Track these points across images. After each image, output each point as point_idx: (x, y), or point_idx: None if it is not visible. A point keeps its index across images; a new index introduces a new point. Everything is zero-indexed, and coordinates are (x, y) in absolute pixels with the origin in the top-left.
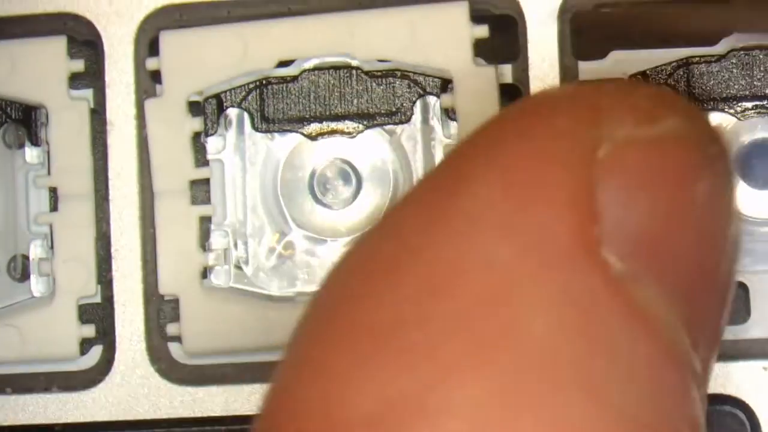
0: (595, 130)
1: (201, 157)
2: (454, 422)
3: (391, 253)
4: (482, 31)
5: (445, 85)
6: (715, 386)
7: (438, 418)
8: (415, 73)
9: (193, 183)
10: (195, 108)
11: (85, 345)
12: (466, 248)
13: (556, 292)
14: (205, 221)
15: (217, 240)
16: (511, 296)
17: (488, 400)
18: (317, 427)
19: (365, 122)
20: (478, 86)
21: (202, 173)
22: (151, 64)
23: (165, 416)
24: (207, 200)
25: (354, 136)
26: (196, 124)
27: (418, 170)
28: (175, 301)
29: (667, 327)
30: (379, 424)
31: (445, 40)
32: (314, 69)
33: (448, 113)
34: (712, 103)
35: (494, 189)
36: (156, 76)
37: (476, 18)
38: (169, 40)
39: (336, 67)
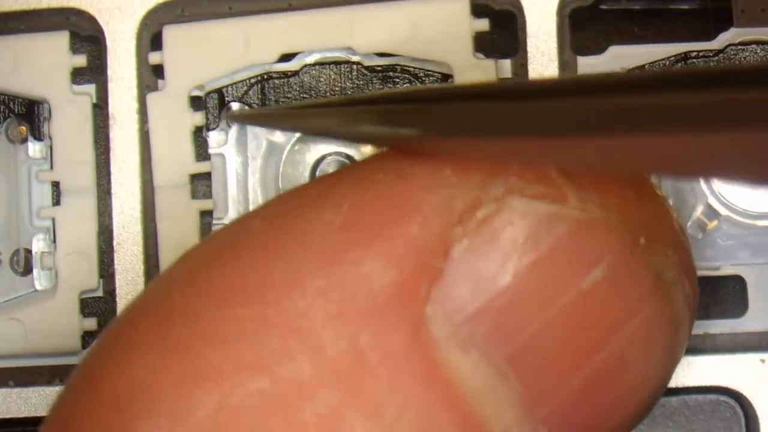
0: (486, 189)
1: (204, 152)
2: None
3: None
4: (482, 24)
5: (446, 79)
6: (712, 378)
7: None
8: (415, 68)
9: (194, 177)
10: (196, 102)
11: (88, 338)
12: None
13: (346, 342)
14: (205, 216)
15: None
16: (295, 351)
17: None
18: None
19: None
20: (478, 79)
21: (202, 167)
22: (154, 58)
23: None
24: (207, 195)
25: None
26: (197, 118)
27: None
28: None
29: (478, 400)
30: None
31: (445, 33)
32: (315, 64)
33: None
34: None
35: (336, 216)
36: (158, 71)
37: (477, 13)
38: (172, 34)
39: (337, 62)
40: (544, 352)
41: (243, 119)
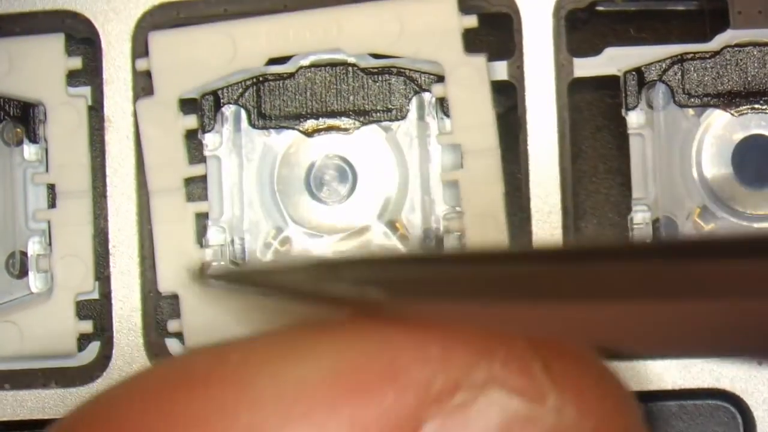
0: (469, 373)
1: (198, 155)
2: None
3: None
4: (471, 21)
5: (441, 80)
6: (709, 380)
7: None
8: (410, 69)
9: (188, 180)
10: (187, 106)
11: (83, 341)
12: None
13: None
14: (201, 218)
15: (214, 236)
16: None
17: None
18: None
19: (361, 119)
20: (469, 76)
21: (196, 170)
22: (141, 64)
23: None
24: (202, 197)
25: (350, 133)
26: (188, 122)
27: (414, 166)
28: (173, 297)
29: None
30: None
31: (434, 31)
32: (311, 66)
33: (444, 109)
34: (706, 99)
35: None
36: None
37: (468, 12)
38: (158, 41)
39: (332, 64)
40: None
41: (221, 279)
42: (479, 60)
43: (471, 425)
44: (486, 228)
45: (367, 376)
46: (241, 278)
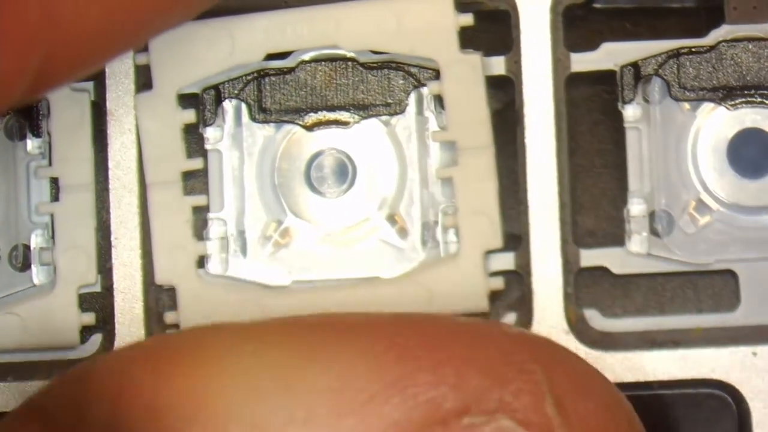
0: (480, 399)
1: (198, 148)
2: None
3: None
4: (467, 19)
5: (437, 76)
6: (704, 371)
7: None
8: (409, 64)
9: (186, 174)
10: (186, 100)
11: (86, 333)
12: None
13: None
14: (200, 211)
15: (214, 229)
16: None
17: None
18: None
19: (361, 113)
20: (464, 74)
21: (194, 164)
22: (141, 59)
23: None
24: (202, 191)
25: (350, 127)
26: (187, 116)
27: (413, 160)
28: (173, 290)
29: None
30: None
31: (430, 29)
32: (311, 60)
33: (442, 105)
34: (701, 93)
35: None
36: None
37: (470, 11)
38: (157, 37)
39: (332, 59)
40: None
41: None
42: (474, 58)
43: None
44: (480, 225)
45: (377, 387)
46: None
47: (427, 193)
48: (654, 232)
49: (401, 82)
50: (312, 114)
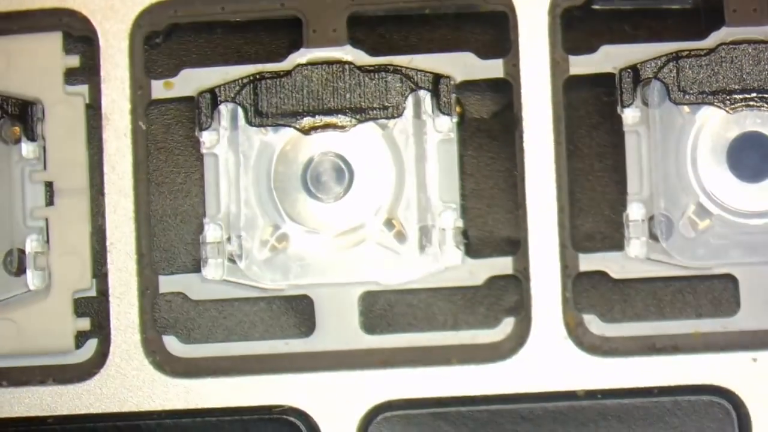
0: None
1: (195, 152)
2: None
3: None
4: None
5: (437, 80)
6: (704, 377)
7: None
8: (406, 68)
9: (177, 177)
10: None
11: (81, 338)
12: None
13: None
14: (198, 215)
15: (210, 233)
16: None
17: None
18: None
19: (358, 116)
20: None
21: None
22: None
23: (159, 408)
24: (198, 194)
25: (347, 130)
26: None
27: (410, 164)
28: (171, 294)
29: None
30: None
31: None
32: (307, 64)
33: (440, 107)
34: (701, 96)
35: None
36: (150, 71)
37: (469, 15)
38: None
39: (329, 62)
40: None
41: None
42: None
43: None
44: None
45: None
46: None
47: (425, 196)
48: (653, 236)
49: (398, 85)
50: (308, 117)
